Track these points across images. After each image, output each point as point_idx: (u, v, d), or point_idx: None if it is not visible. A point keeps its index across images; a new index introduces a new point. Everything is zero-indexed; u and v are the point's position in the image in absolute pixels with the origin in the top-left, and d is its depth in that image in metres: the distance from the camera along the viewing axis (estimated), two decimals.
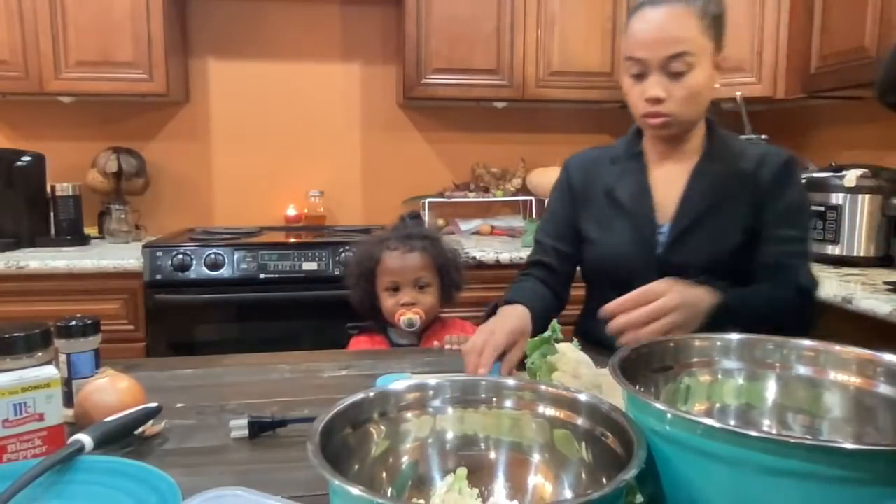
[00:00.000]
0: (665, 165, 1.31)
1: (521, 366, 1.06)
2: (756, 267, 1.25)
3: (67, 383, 0.96)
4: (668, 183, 1.29)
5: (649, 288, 1.03)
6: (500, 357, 1.06)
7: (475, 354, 1.04)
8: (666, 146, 1.30)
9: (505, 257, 2.41)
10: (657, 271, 1.22)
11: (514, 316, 1.15)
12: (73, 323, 0.98)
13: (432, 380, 0.72)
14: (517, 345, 1.08)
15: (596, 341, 1.18)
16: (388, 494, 0.65)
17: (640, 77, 1.20)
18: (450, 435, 0.70)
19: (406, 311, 1.43)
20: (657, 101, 1.19)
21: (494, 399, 0.71)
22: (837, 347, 0.73)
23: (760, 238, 1.25)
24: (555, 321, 1.05)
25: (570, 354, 0.98)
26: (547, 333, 1.00)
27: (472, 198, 2.93)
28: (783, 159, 1.26)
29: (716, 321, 1.05)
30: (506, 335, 1.07)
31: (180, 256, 2.25)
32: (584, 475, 0.64)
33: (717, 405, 0.77)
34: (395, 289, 1.45)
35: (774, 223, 1.25)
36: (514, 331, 1.09)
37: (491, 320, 1.14)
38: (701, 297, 1.08)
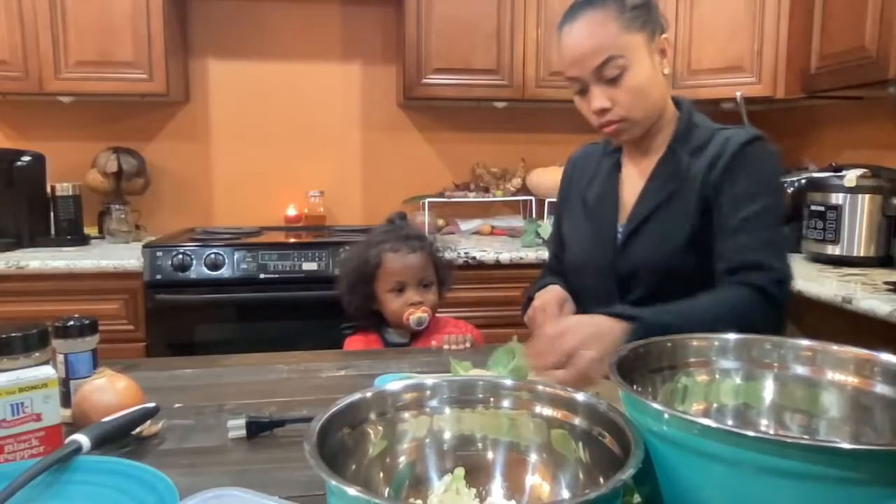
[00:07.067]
0: (637, 163, 1.28)
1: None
2: (715, 266, 1.15)
3: (65, 383, 0.96)
4: (634, 182, 1.26)
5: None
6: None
7: (540, 315, 1.17)
8: (633, 144, 1.26)
9: (505, 257, 2.41)
10: (611, 276, 1.23)
11: (553, 289, 1.26)
12: (71, 323, 0.98)
13: (430, 380, 0.72)
14: (566, 305, 1.22)
15: None
16: (386, 495, 0.65)
17: (583, 92, 1.19)
18: (447, 435, 0.70)
19: (415, 310, 1.44)
20: (603, 111, 1.17)
21: (492, 399, 0.71)
22: (835, 347, 0.73)
23: (717, 233, 1.15)
24: (515, 337, 1.06)
25: None
26: (510, 345, 1.03)
27: (472, 198, 2.93)
28: (742, 140, 1.15)
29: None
30: (555, 301, 1.21)
31: (180, 256, 2.25)
32: (581, 475, 0.64)
33: (715, 405, 0.77)
34: (401, 289, 1.46)
35: (729, 213, 1.14)
36: (558, 297, 1.22)
37: (536, 297, 1.24)
38: (605, 324, 0.96)
